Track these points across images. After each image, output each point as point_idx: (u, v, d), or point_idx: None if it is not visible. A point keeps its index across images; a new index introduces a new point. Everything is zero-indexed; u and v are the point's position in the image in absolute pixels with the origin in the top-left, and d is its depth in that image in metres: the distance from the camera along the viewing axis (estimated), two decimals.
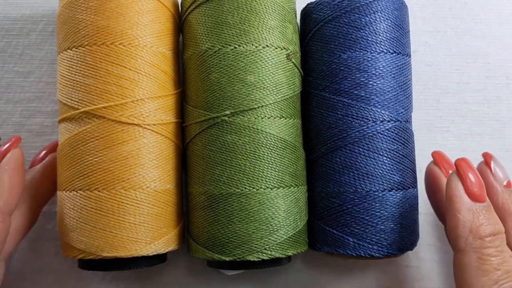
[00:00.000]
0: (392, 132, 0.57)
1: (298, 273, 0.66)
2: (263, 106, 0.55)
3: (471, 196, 0.52)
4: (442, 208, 0.58)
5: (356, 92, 0.56)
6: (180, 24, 0.61)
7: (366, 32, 0.57)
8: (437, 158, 0.60)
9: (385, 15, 0.57)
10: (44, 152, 0.61)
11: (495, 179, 0.57)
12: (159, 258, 0.58)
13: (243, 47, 0.55)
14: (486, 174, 0.58)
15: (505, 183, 0.58)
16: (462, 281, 0.51)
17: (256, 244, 0.55)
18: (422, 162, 0.64)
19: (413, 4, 0.67)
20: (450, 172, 0.55)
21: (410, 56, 0.60)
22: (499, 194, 0.56)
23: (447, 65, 0.69)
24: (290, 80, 0.57)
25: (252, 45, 0.55)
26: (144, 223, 0.54)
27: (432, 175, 0.59)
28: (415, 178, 0.60)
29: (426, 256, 0.66)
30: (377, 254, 0.56)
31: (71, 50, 0.56)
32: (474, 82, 0.69)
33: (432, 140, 0.68)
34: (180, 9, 0.61)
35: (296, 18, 0.60)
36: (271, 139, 0.55)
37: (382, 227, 0.56)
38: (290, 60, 0.57)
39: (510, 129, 0.68)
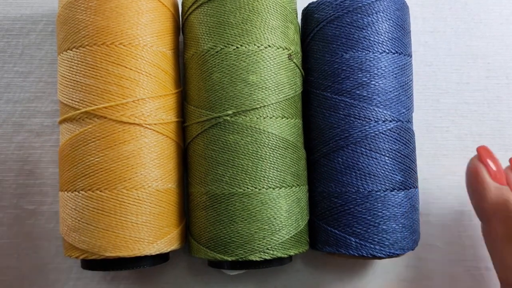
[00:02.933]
0: (394, 132, 0.57)
1: (297, 273, 0.66)
2: (265, 106, 0.55)
3: (494, 179, 0.56)
4: (482, 203, 0.59)
5: (358, 92, 0.56)
6: (181, 24, 0.61)
7: (369, 32, 0.57)
8: (482, 153, 0.61)
9: (387, 15, 0.57)
10: None
11: None
12: (162, 258, 0.58)
13: (245, 47, 0.55)
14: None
15: None
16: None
17: (258, 244, 0.55)
18: (422, 162, 0.64)
19: (413, 4, 0.67)
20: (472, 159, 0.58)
21: (411, 56, 0.60)
22: None
23: (447, 65, 0.69)
24: (292, 80, 0.58)
25: (254, 45, 0.55)
26: (147, 222, 0.54)
27: (475, 171, 0.59)
28: (416, 178, 0.60)
29: (426, 256, 0.66)
30: (379, 254, 0.56)
31: (71, 50, 0.56)
32: (474, 82, 0.69)
33: (432, 140, 0.68)
34: (180, 8, 0.61)
35: (297, 19, 0.60)
36: (273, 139, 0.55)
37: (384, 227, 0.56)
38: (292, 60, 0.57)
39: (510, 129, 0.69)
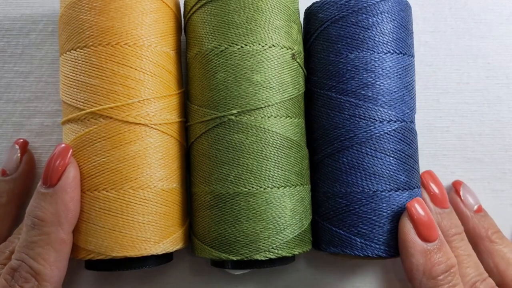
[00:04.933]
0: (399, 133, 0.57)
1: (298, 273, 0.66)
2: (269, 105, 0.55)
3: (423, 237, 0.55)
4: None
5: (363, 92, 0.57)
6: (183, 24, 0.61)
7: (374, 32, 0.57)
8: (426, 179, 0.63)
9: (391, 15, 0.57)
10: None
11: (465, 205, 0.63)
12: (167, 257, 0.58)
13: (250, 46, 0.55)
14: (456, 201, 0.64)
15: (475, 208, 0.63)
16: None
17: (263, 243, 0.55)
18: (422, 162, 0.64)
19: (413, 4, 0.67)
20: (402, 215, 0.57)
21: (414, 57, 0.60)
22: (469, 220, 0.62)
23: (447, 65, 0.69)
24: (295, 80, 0.58)
25: (259, 44, 0.55)
26: (153, 222, 0.55)
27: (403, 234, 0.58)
28: (419, 178, 0.60)
29: None
30: (384, 254, 0.56)
31: (75, 50, 0.56)
32: (474, 82, 0.69)
33: (432, 140, 0.69)
34: (183, 8, 0.61)
35: (299, 18, 0.61)
36: (277, 138, 0.55)
37: (389, 227, 0.56)
38: (295, 60, 0.58)
39: (510, 129, 0.69)
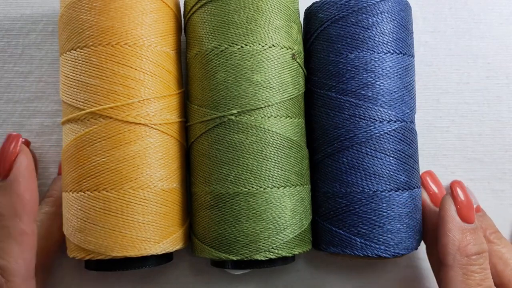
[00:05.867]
0: (399, 133, 0.57)
1: (298, 273, 0.66)
2: (269, 105, 0.55)
3: (462, 217, 0.57)
4: (426, 229, 0.62)
5: (363, 92, 0.57)
6: (183, 24, 0.61)
7: (374, 32, 0.57)
8: (425, 178, 0.64)
9: (391, 15, 0.58)
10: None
11: None
12: (167, 257, 0.58)
13: (250, 46, 0.55)
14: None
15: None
16: None
17: (263, 243, 0.55)
18: (422, 162, 0.64)
19: (413, 4, 0.67)
20: (445, 194, 0.59)
21: (414, 57, 0.60)
22: None
23: (447, 65, 0.69)
24: (295, 80, 0.58)
25: (259, 44, 0.55)
26: (153, 222, 0.55)
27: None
28: (419, 178, 0.60)
29: (426, 256, 0.66)
30: (384, 254, 0.56)
31: (75, 50, 0.56)
32: (474, 82, 0.69)
33: (432, 140, 0.69)
34: (182, 8, 0.61)
35: (299, 18, 0.61)
36: (277, 138, 0.56)
37: (389, 227, 0.56)
38: (295, 60, 0.58)
39: (510, 129, 0.69)
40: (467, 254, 0.56)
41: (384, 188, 0.56)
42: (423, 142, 0.67)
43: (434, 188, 0.62)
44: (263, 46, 0.56)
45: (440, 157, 0.69)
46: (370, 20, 0.57)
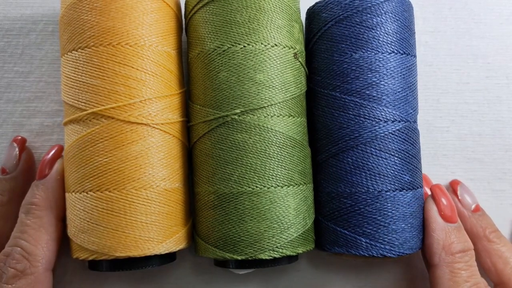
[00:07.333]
0: (403, 133, 0.57)
1: (299, 273, 0.66)
2: (272, 104, 0.55)
3: (444, 217, 0.59)
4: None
5: (368, 92, 0.57)
6: (185, 23, 0.61)
7: (378, 32, 0.57)
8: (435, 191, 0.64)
9: (395, 16, 0.58)
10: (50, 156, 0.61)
11: (463, 205, 0.64)
12: (170, 257, 0.58)
13: (252, 46, 0.55)
14: (454, 201, 0.64)
15: (473, 207, 0.64)
16: None
17: (268, 243, 0.55)
18: (422, 162, 0.64)
19: (413, 4, 0.67)
20: (428, 197, 0.62)
21: (416, 57, 0.61)
22: (467, 219, 0.63)
23: (447, 65, 0.70)
24: (297, 79, 0.58)
25: (261, 44, 0.55)
26: (156, 222, 0.54)
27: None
28: (421, 178, 0.60)
29: None
30: (389, 254, 0.56)
31: (76, 51, 0.56)
32: (474, 82, 0.69)
33: (432, 140, 0.69)
34: (184, 8, 0.61)
35: (300, 18, 0.61)
36: (280, 137, 0.55)
37: (394, 227, 0.56)
38: (297, 59, 0.58)
39: (510, 129, 0.69)
40: (451, 253, 0.57)
41: (389, 188, 0.56)
42: (423, 142, 0.67)
43: (444, 202, 0.62)
44: (265, 46, 0.55)
45: (440, 157, 0.69)
46: (374, 20, 0.57)
